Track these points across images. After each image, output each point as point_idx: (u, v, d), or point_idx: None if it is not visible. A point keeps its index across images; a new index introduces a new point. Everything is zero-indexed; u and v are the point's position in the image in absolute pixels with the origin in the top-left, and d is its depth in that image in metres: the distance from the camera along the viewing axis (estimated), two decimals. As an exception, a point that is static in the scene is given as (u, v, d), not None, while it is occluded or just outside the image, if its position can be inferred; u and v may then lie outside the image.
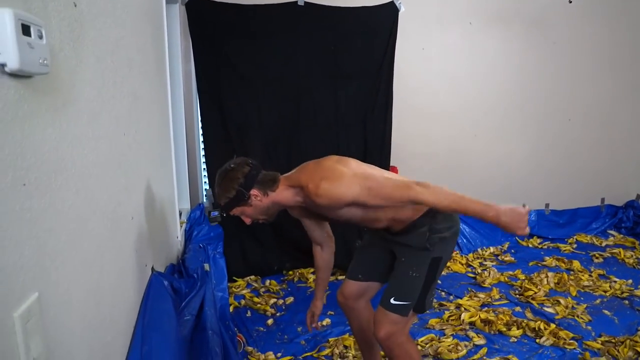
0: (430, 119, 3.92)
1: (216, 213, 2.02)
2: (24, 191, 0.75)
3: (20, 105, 0.75)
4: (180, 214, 3.12)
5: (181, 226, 2.91)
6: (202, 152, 3.50)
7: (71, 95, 0.99)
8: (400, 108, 3.66)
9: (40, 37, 0.77)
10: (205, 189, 3.59)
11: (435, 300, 3.02)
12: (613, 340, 2.54)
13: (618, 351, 2.42)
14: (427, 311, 1.92)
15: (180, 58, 3.28)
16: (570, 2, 2.62)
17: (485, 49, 3.94)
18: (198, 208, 3.27)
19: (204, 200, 3.59)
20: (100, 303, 1.14)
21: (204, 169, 3.52)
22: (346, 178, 1.66)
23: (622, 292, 3.15)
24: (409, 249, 1.85)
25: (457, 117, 3.97)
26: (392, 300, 1.79)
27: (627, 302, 3.03)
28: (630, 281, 3.32)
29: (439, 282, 3.31)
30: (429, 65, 3.84)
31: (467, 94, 3.97)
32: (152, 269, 1.81)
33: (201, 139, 3.46)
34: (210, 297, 2.26)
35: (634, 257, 3.81)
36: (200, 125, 3.43)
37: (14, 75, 0.72)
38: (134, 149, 1.61)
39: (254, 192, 1.73)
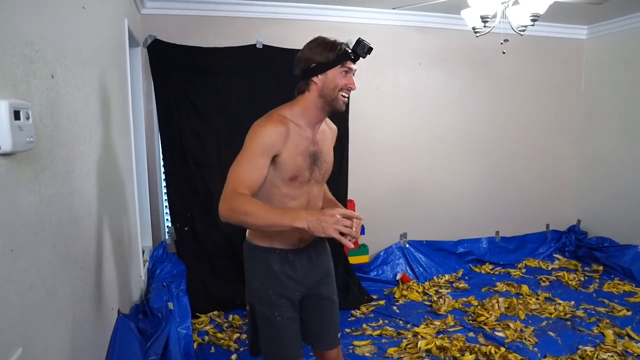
0: (384, 154, 4.12)
1: None
2: (11, 256, 0.84)
3: (8, 178, 0.85)
4: (143, 252, 3.15)
5: (144, 265, 2.94)
6: (164, 190, 3.55)
7: (48, 159, 1.09)
8: (356, 143, 3.86)
9: (28, 117, 0.87)
10: (168, 226, 3.63)
11: (393, 329, 3.15)
12: (556, 360, 2.72)
13: (561, 370, 2.60)
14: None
15: (142, 98, 3.36)
16: (504, 53, 2.88)
17: (434, 87, 4.21)
18: (160, 246, 3.31)
19: (166, 237, 3.63)
20: (74, 350, 1.20)
21: (166, 206, 3.57)
22: None
23: (566, 314, 3.37)
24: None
25: (410, 151, 4.20)
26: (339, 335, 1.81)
27: (569, 322, 3.25)
28: (572, 302, 3.56)
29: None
30: (382, 102, 4.07)
31: (419, 129, 4.21)
32: (119, 311, 1.86)
33: (163, 176, 3.51)
34: (175, 335, 2.31)
35: (577, 279, 4.08)
36: (162, 163, 3.49)
37: (5, 154, 0.81)
38: (101, 197, 1.68)
39: (315, 83, 1.58)
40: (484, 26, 2.58)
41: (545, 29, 4.30)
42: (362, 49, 1.54)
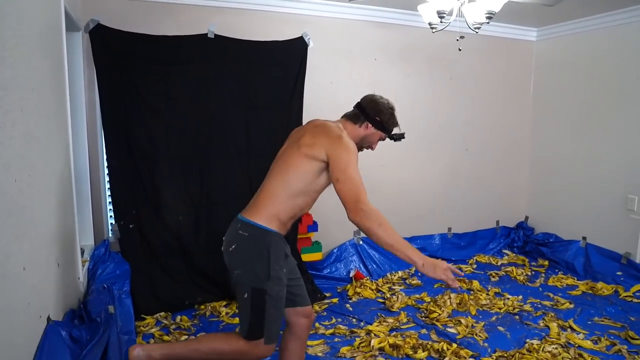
0: (340, 149, 4.06)
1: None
2: None
3: None
4: (83, 252, 2.96)
5: (83, 265, 2.75)
6: (107, 185, 3.35)
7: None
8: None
9: None
10: (111, 224, 3.43)
11: (346, 328, 3.11)
12: (505, 355, 2.76)
13: (510, 365, 2.64)
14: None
15: (84, 88, 3.15)
16: (460, 50, 2.89)
17: (390, 84, 4.18)
18: (103, 244, 3.12)
19: (110, 235, 3.42)
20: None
21: (109, 202, 3.37)
22: None
23: (514, 308, 3.45)
24: None
25: (365, 147, 4.16)
26: None
27: (517, 317, 3.32)
28: (520, 297, 3.65)
29: (349, 308, 3.42)
30: (336, 97, 3.98)
31: (374, 125, 4.18)
32: (48, 318, 1.70)
33: (106, 171, 3.31)
34: (115, 341, 2.15)
35: (524, 274, 4.19)
36: (105, 156, 3.28)
37: None
38: (27, 193, 1.52)
39: (366, 127, 2.14)
40: (440, 22, 2.56)
41: (497, 29, 4.38)
42: (399, 138, 2.20)
